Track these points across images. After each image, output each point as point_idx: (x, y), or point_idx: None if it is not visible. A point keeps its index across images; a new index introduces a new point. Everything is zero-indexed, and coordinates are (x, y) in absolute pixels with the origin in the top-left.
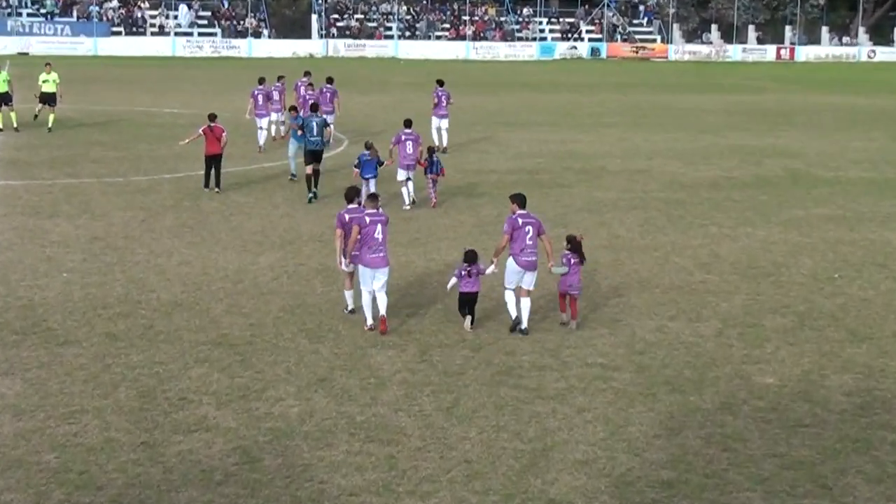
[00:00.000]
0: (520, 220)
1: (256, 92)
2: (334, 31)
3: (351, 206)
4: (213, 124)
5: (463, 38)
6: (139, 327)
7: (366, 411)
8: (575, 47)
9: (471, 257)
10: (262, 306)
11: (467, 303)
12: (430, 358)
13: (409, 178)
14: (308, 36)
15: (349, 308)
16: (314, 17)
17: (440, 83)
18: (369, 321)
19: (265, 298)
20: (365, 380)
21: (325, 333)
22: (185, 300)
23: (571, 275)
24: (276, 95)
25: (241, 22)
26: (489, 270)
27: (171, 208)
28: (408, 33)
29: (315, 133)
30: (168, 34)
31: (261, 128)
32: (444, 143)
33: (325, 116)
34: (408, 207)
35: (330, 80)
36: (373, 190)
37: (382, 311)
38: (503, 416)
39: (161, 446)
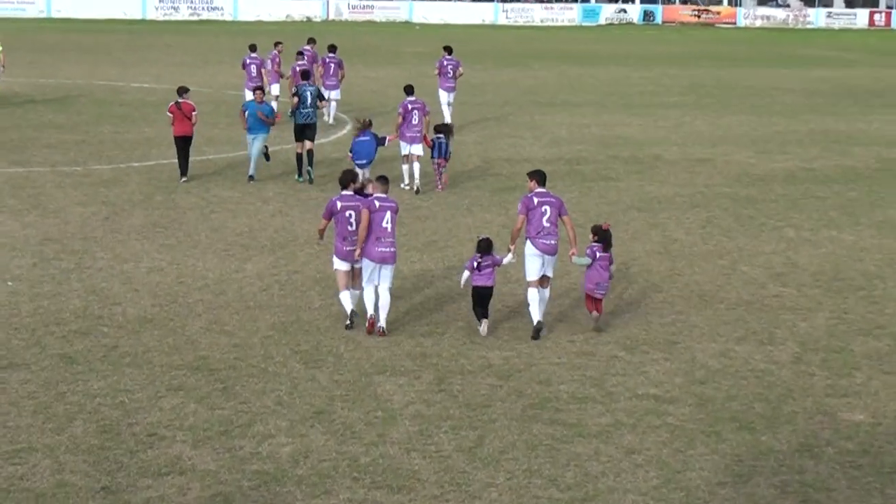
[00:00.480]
0: (535, 200)
1: (249, 61)
2: None
3: (346, 192)
4: (181, 100)
5: None
6: (100, 348)
7: (371, 451)
8: (624, 10)
9: (485, 247)
10: (248, 323)
11: (481, 299)
12: (450, 387)
13: (415, 155)
14: None
15: (348, 315)
16: None
17: (448, 50)
18: (370, 312)
19: (252, 313)
20: (371, 413)
21: (323, 356)
22: (157, 315)
23: (599, 271)
24: (269, 66)
25: None
26: (506, 260)
27: (141, 204)
28: None
29: (308, 104)
30: None
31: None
32: (449, 121)
33: (329, 91)
34: (405, 187)
35: (332, 49)
36: (364, 176)
37: (383, 315)
38: (536, 459)
39: (125, 492)
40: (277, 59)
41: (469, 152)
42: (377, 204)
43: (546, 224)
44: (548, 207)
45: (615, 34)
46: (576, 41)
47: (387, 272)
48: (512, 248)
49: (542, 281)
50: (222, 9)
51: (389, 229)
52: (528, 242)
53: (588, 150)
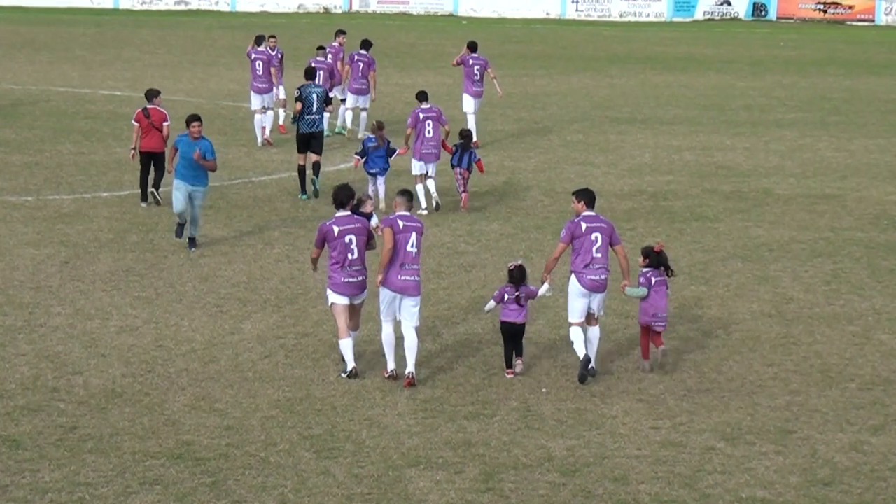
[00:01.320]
0: (583, 225)
1: (254, 56)
2: None
3: (341, 212)
4: (150, 106)
5: None
6: (55, 429)
7: None
8: (728, 2)
9: (518, 276)
10: (245, 400)
11: (511, 337)
12: (500, 485)
13: (429, 175)
14: None
15: (348, 370)
16: None
17: (472, 47)
18: (390, 365)
19: (250, 387)
20: None
21: (339, 444)
22: (128, 388)
23: (656, 299)
24: (276, 63)
25: None
26: (542, 292)
27: (110, 244)
28: None
29: (314, 109)
30: None
31: (262, 109)
32: (475, 137)
33: (356, 98)
34: (424, 212)
35: (366, 45)
36: (381, 189)
37: (411, 362)
38: None
39: None
40: (278, 58)
41: (527, 182)
42: (401, 224)
43: (596, 255)
44: (598, 235)
45: (715, 32)
46: (664, 41)
47: (411, 306)
48: (546, 277)
49: (590, 319)
50: None
51: (414, 254)
52: (573, 277)
53: (678, 182)
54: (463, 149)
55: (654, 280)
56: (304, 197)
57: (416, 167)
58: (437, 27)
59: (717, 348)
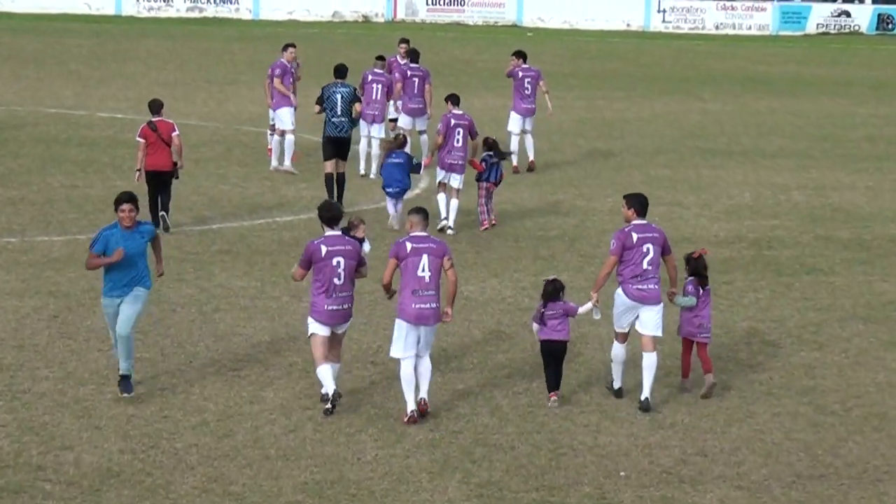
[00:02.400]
0: (635, 236)
1: (276, 70)
2: None
3: (330, 232)
4: (156, 118)
5: None
6: None
7: None
8: (847, 13)
9: (550, 291)
10: (266, 482)
11: (552, 356)
12: None
13: (455, 187)
14: None
15: (329, 397)
16: None
17: (520, 56)
18: (410, 406)
19: (272, 467)
20: None
21: None
22: (127, 467)
23: (699, 309)
24: (277, 72)
25: None
26: (583, 310)
27: None
28: None
29: (339, 111)
30: None
31: (277, 132)
32: (530, 156)
33: (413, 119)
34: (448, 227)
35: (413, 56)
36: (399, 208)
37: (425, 388)
38: None
39: None
40: (292, 70)
41: (602, 225)
42: (409, 246)
43: (647, 267)
44: (650, 246)
45: (831, 49)
46: (769, 58)
47: (428, 334)
48: (594, 296)
49: (644, 342)
50: (237, 2)
51: (428, 279)
52: (620, 289)
53: (785, 227)
54: (491, 161)
55: (700, 290)
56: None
57: (439, 174)
58: (496, 40)
59: (832, 427)
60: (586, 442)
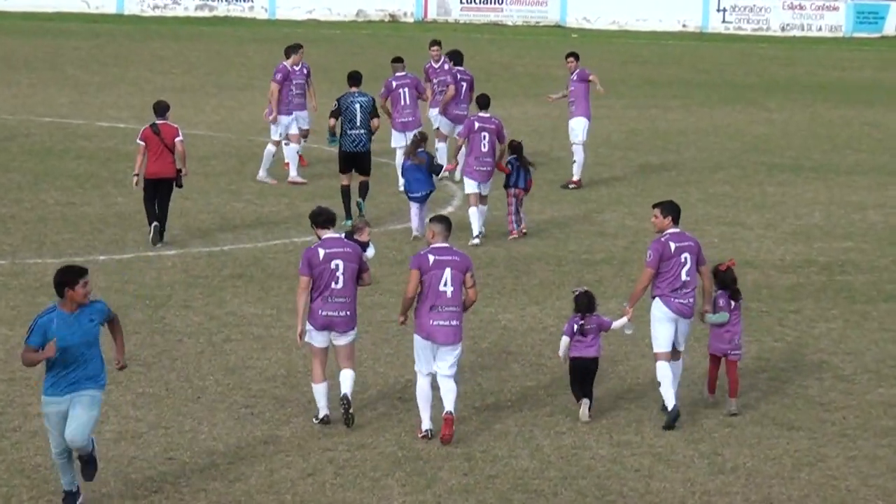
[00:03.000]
0: (672, 245)
1: (282, 74)
2: None
3: (328, 234)
4: (160, 121)
5: None
6: None
7: None
8: None
9: (585, 304)
10: None
11: (582, 374)
12: None
13: (484, 193)
14: None
15: (320, 417)
16: None
17: (570, 56)
18: (425, 424)
19: None
20: None
21: None
22: None
23: (731, 325)
24: (279, 77)
25: None
26: (617, 325)
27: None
28: None
29: (358, 123)
30: None
31: (283, 141)
32: (575, 174)
33: (458, 128)
34: (476, 241)
35: (456, 59)
36: (422, 215)
37: (450, 404)
38: None
39: None
40: (304, 74)
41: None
42: (432, 259)
43: (686, 277)
44: (688, 256)
45: None
46: (842, 63)
47: (448, 354)
48: (629, 310)
49: (674, 352)
50: (251, 0)
51: (450, 294)
52: (659, 301)
53: (861, 250)
54: (518, 164)
55: (733, 304)
56: (348, 223)
57: (469, 186)
58: (538, 42)
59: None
60: (637, 488)
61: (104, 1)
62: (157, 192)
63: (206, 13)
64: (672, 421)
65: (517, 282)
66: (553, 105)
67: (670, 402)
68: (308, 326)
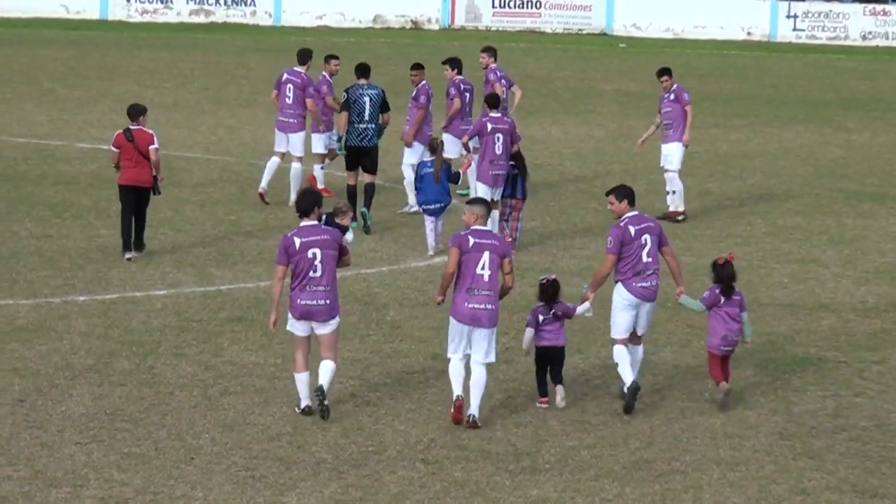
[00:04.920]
0: (632, 229)
1: (286, 77)
2: None
3: (307, 222)
4: (134, 126)
5: None
6: None
7: None
8: None
9: (551, 293)
10: None
11: (550, 364)
12: None
13: (493, 199)
14: None
15: (301, 407)
16: None
17: (665, 73)
18: (456, 391)
19: None
20: None
21: None
22: None
23: (724, 321)
24: (325, 90)
25: None
26: (581, 310)
27: (88, 374)
28: None
29: (367, 117)
30: None
31: (281, 154)
32: (675, 205)
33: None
34: None
35: (491, 53)
36: (437, 228)
37: (476, 403)
38: None
39: None
40: (325, 86)
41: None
42: (471, 241)
43: (647, 259)
44: (648, 237)
45: None
46: None
47: (482, 339)
48: (591, 295)
49: (634, 338)
50: (253, 4)
51: (487, 277)
52: (620, 286)
53: None
54: (515, 172)
55: (722, 299)
56: (354, 226)
57: (482, 191)
58: (581, 52)
59: None
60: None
61: (86, 5)
62: (134, 202)
63: (201, 19)
64: (632, 399)
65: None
66: (597, 125)
67: (628, 379)
68: (288, 317)
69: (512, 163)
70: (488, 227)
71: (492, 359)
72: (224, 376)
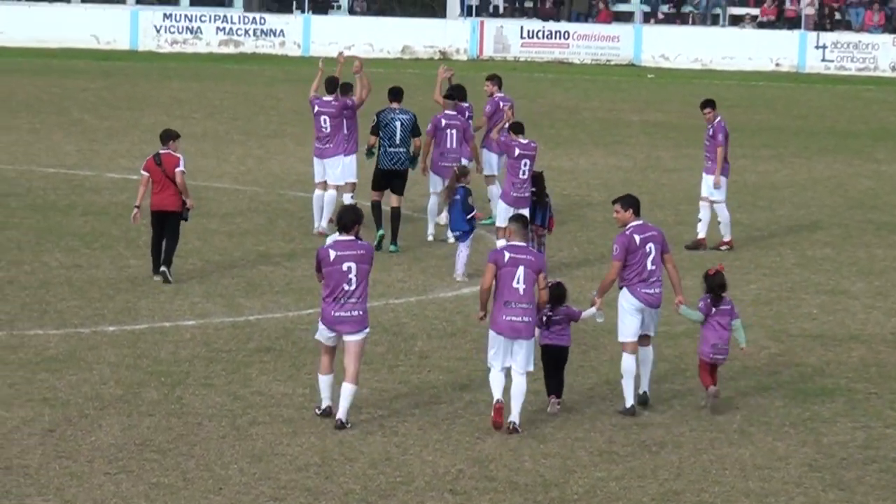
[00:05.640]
0: (636, 238)
1: (318, 108)
2: (497, 2)
3: (344, 237)
4: (163, 150)
5: (792, 22)
6: None
7: None
8: None
9: (556, 296)
10: None
11: (552, 362)
12: None
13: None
14: (436, 12)
15: (321, 408)
16: None
17: (707, 106)
18: (497, 395)
19: None
20: None
21: None
22: None
23: (715, 329)
24: (328, 120)
25: None
26: (587, 314)
27: (117, 404)
28: (663, 10)
29: (398, 140)
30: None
31: (322, 185)
32: (725, 235)
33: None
34: None
35: (495, 82)
36: (463, 255)
37: (516, 411)
38: None
39: None
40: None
41: (745, 318)
42: (507, 256)
43: (651, 267)
44: (652, 246)
45: None
46: None
47: (521, 350)
48: (598, 301)
49: (643, 339)
50: (282, 35)
51: (522, 291)
52: (626, 291)
53: None
54: (537, 198)
55: (713, 308)
56: (394, 249)
57: (501, 216)
58: (609, 83)
59: None
60: None
61: (116, 35)
62: (163, 227)
63: (231, 49)
64: (628, 413)
65: (584, 357)
66: (624, 156)
67: (629, 401)
68: (319, 325)
69: (534, 189)
70: (525, 244)
71: (530, 368)
72: (252, 406)
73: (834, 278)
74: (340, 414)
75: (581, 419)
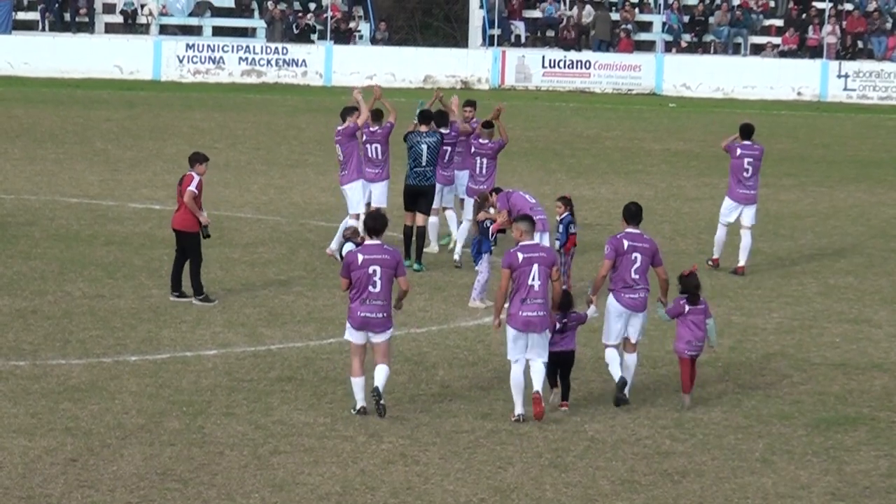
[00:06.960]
0: (626, 243)
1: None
2: (519, 32)
3: (372, 241)
4: (189, 172)
5: (813, 51)
6: None
7: None
8: None
9: (565, 304)
10: None
11: (559, 366)
12: None
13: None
14: (458, 42)
15: (357, 408)
16: (475, 4)
17: (746, 132)
18: (518, 409)
19: None
20: None
21: None
22: None
23: (690, 328)
24: (379, 147)
25: (306, 15)
26: (590, 313)
27: (139, 434)
28: (685, 39)
29: (424, 161)
30: (144, 30)
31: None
32: (741, 259)
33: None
34: None
35: (473, 108)
36: (484, 271)
37: (538, 383)
38: None
39: None
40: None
41: (766, 347)
42: (521, 257)
43: (635, 276)
44: (639, 255)
45: None
46: None
47: (536, 342)
48: (593, 299)
49: (627, 345)
50: (305, 65)
51: (537, 287)
52: (612, 297)
53: None
54: (565, 221)
55: (687, 308)
56: (418, 268)
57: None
58: (630, 112)
59: None
60: None
61: (139, 66)
62: (182, 248)
63: (253, 79)
64: (621, 391)
65: (606, 385)
66: (646, 185)
67: (617, 376)
68: (347, 326)
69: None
70: (536, 241)
71: (545, 358)
72: (274, 436)
73: (856, 307)
74: (378, 383)
75: (602, 448)
